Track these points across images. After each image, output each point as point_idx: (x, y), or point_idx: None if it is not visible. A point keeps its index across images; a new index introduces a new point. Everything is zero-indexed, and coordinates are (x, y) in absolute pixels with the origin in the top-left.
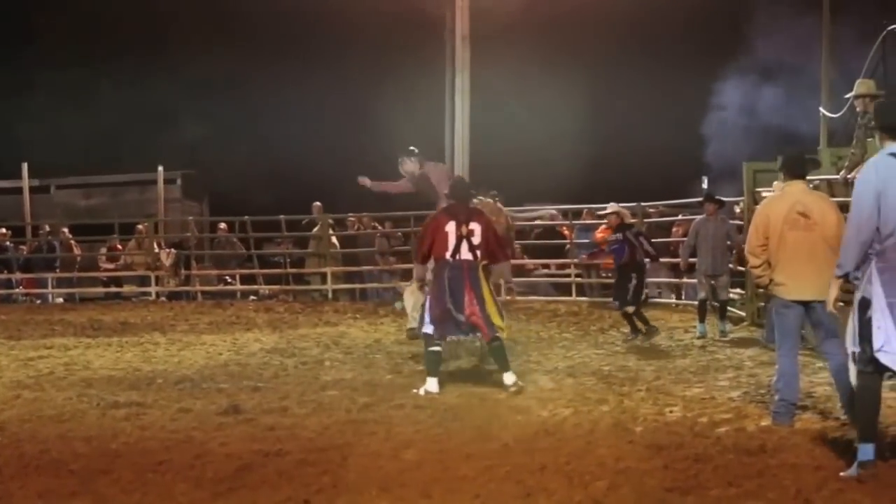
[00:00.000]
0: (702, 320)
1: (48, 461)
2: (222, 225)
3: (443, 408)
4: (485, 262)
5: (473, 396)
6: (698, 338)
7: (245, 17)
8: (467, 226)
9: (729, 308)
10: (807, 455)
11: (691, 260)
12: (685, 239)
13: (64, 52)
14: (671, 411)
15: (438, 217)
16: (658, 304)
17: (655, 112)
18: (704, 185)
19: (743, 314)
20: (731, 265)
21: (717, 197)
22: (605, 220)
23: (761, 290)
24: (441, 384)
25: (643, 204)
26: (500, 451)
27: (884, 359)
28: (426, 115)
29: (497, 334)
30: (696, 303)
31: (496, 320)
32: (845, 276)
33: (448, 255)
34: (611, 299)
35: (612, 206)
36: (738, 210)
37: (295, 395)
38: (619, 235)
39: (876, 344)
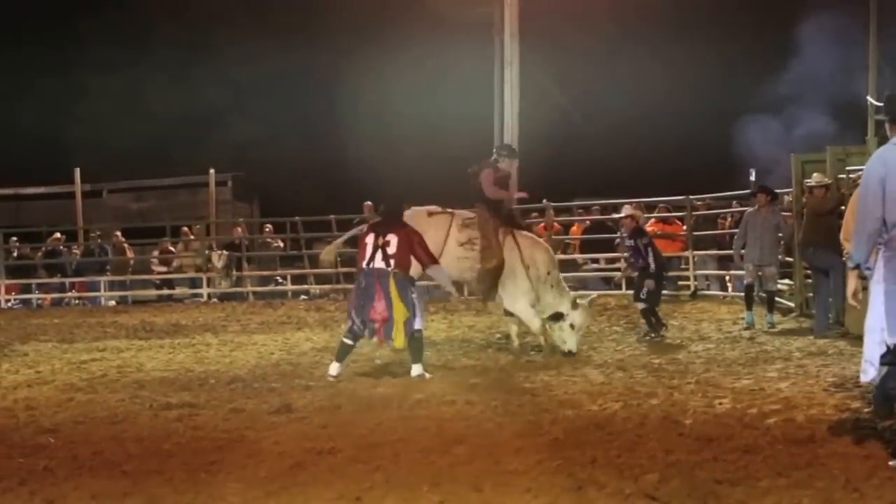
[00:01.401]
0: (749, 307)
1: (101, 462)
2: (268, 227)
3: (493, 403)
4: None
5: (524, 392)
6: (745, 328)
7: (291, 16)
8: (384, 237)
9: (777, 299)
10: (856, 444)
11: (712, 252)
12: (735, 230)
13: (113, 57)
14: (720, 403)
15: (366, 230)
16: (706, 296)
17: (705, 104)
18: (752, 178)
19: (792, 304)
20: (780, 257)
21: (771, 188)
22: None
23: (810, 281)
24: (492, 379)
25: (691, 197)
26: (551, 445)
27: None
28: (476, 112)
29: (392, 344)
30: (743, 294)
31: (396, 334)
32: (858, 267)
33: (364, 263)
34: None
35: (626, 209)
36: (787, 201)
37: (346, 393)
38: (633, 242)
39: None
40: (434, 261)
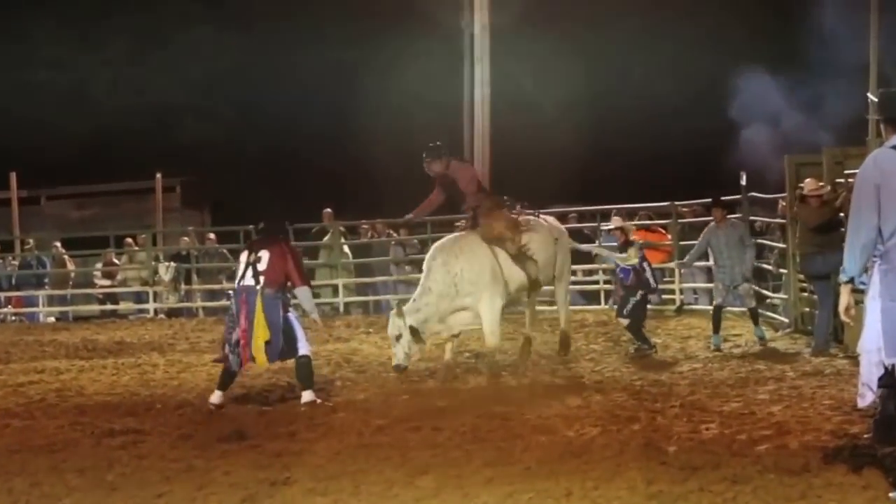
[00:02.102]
0: (716, 330)
1: (39, 496)
2: (211, 235)
3: (462, 428)
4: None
5: (494, 416)
6: (713, 350)
7: (249, 6)
8: (256, 253)
9: (769, 314)
10: (854, 473)
11: (700, 264)
12: None
13: (52, 53)
14: (707, 428)
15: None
16: (693, 311)
17: (690, 100)
18: (743, 182)
19: (785, 320)
20: (753, 268)
21: (723, 199)
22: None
23: (806, 294)
24: (461, 402)
25: (676, 203)
26: (523, 475)
27: None
28: (444, 109)
29: (252, 363)
30: (738, 309)
31: (256, 353)
32: (851, 281)
33: (236, 282)
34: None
35: (616, 221)
36: (781, 206)
37: (304, 419)
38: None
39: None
40: (304, 282)
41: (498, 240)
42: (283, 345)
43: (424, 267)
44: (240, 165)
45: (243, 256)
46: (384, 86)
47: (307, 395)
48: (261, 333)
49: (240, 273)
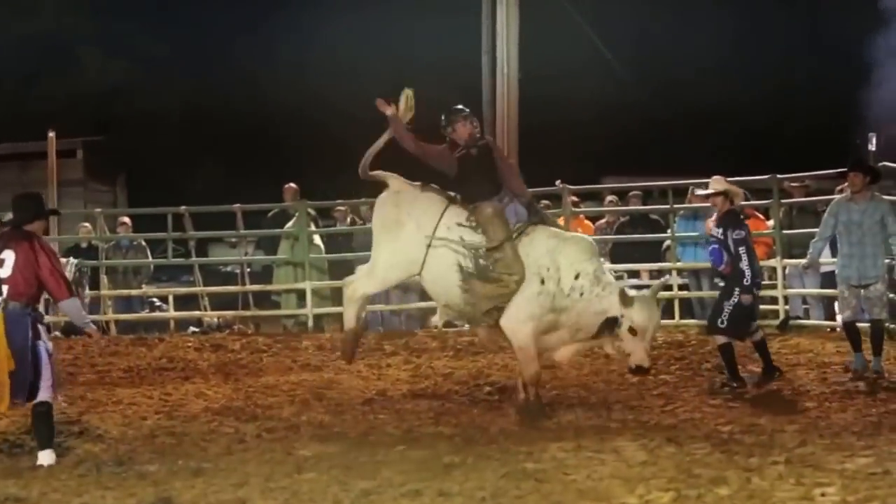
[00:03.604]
0: (857, 348)
1: None
2: (125, 220)
3: (480, 494)
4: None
5: (526, 476)
6: (853, 375)
7: None
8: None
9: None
10: None
11: (825, 262)
12: None
13: None
14: (823, 494)
15: None
16: (803, 328)
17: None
18: (872, 147)
19: None
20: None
21: (870, 165)
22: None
23: None
24: (479, 455)
25: (780, 177)
26: None
27: None
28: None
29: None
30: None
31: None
32: None
33: None
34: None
35: (716, 182)
36: None
37: (257, 481)
38: (720, 231)
39: None
40: (68, 292)
41: None
42: (33, 379)
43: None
44: (168, 122)
45: None
46: (375, 34)
47: (45, 457)
48: (3, 365)
49: None
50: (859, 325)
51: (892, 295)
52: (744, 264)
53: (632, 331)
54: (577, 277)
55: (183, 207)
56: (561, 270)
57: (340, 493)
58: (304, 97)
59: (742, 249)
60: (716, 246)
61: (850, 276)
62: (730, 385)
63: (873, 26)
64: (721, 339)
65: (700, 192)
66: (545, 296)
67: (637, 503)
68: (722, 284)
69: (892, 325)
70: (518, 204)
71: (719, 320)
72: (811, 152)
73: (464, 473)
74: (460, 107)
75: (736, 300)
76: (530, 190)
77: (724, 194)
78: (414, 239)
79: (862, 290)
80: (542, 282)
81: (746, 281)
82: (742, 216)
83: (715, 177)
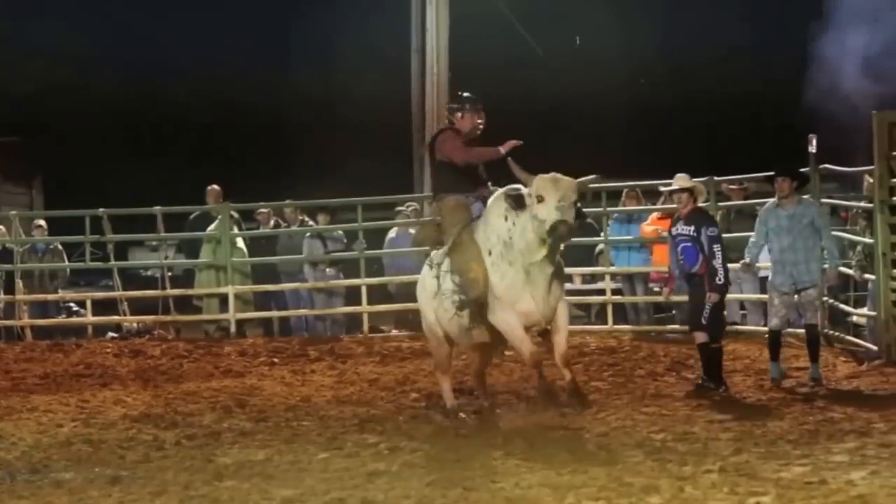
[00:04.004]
0: (774, 357)
1: None
2: (41, 222)
3: (406, 502)
4: None
5: (453, 483)
6: (772, 382)
7: None
8: None
9: (852, 339)
10: None
11: (763, 266)
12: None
13: None
14: (758, 503)
15: None
16: (739, 333)
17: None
18: (812, 149)
19: (873, 347)
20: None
21: (796, 170)
22: (667, 204)
23: None
24: (404, 464)
25: (717, 179)
26: None
27: None
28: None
29: None
30: (800, 331)
31: None
32: None
33: None
34: (680, 325)
35: (681, 180)
36: (867, 184)
37: (176, 489)
38: (692, 229)
39: None
40: None
41: None
42: None
43: None
44: (87, 124)
45: None
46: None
47: None
48: None
49: None
50: (795, 331)
51: (832, 301)
52: (717, 262)
53: (539, 199)
54: (506, 220)
55: (101, 210)
56: (494, 228)
57: (262, 501)
58: (226, 97)
59: (717, 247)
60: (688, 244)
61: (782, 282)
62: (709, 384)
63: (816, 26)
64: (701, 338)
65: (664, 188)
66: (497, 262)
67: None
68: (687, 287)
69: (831, 332)
70: (482, 203)
71: (702, 317)
72: (751, 154)
73: (389, 481)
74: (468, 94)
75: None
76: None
77: (690, 191)
78: None
79: (796, 296)
80: (490, 253)
81: (719, 280)
82: (710, 215)
83: (679, 174)
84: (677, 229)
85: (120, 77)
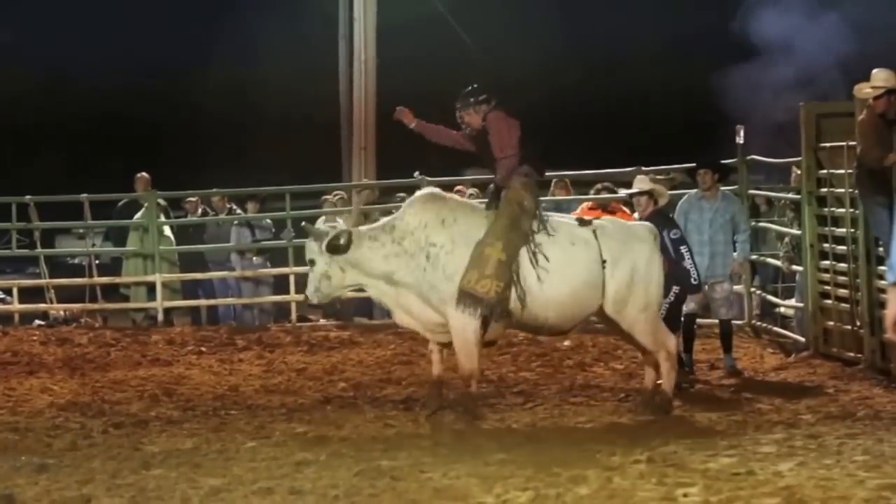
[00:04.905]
0: (687, 349)
1: None
2: None
3: (332, 492)
4: None
5: (381, 474)
6: (686, 373)
7: None
8: None
9: (781, 330)
10: None
11: None
12: None
13: None
14: (685, 495)
15: None
16: None
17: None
18: (740, 140)
19: (801, 338)
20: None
21: (718, 161)
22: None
23: (830, 301)
24: (332, 452)
25: (645, 169)
26: None
27: None
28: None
29: None
30: (738, 321)
31: None
32: None
33: None
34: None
35: (641, 181)
36: (794, 175)
37: (103, 478)
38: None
39: None
40: None
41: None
42: None
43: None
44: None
45: None
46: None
47: None
48: None
49: None
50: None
51: (761, 293)
52: (688, 263)
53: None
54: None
55: (28, 197)
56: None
57: (189, 490)
58: (154, 84)
59: (683, 248)
60: None
61: (699, 273)
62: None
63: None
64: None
65: (624, 191)
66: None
67: (494, 502)
68: None
69: (760, 324)
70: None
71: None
72: (678, 144)
73: (316, 471)
74: (469, 90)
75: (672, 298)
76: (386, 182)
77: (649, 194)
78: None
79: (707, 289)
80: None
81: (694, 280)
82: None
83: (639, 175)
84: None
85: (46, 65)
